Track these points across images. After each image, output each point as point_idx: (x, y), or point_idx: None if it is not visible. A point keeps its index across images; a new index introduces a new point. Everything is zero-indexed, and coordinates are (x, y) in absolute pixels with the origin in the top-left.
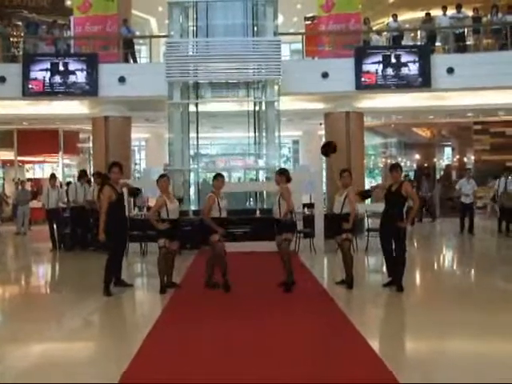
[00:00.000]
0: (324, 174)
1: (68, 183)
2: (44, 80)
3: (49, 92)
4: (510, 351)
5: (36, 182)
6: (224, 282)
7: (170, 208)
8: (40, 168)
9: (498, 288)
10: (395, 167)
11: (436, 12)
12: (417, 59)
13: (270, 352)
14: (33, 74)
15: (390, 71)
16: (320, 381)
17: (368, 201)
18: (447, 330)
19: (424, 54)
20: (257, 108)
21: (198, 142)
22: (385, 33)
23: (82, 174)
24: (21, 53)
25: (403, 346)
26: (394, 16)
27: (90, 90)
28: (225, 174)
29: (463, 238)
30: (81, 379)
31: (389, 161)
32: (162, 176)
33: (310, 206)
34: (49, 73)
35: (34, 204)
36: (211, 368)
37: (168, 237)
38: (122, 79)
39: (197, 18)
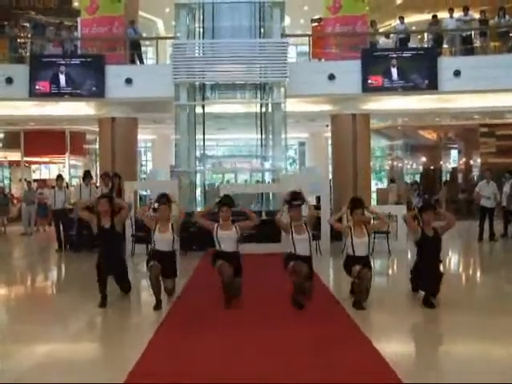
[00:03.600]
0: (330, 175)
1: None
2: (51, 81)
3: (55, 93)
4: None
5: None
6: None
7: (156, 237)
8: (46, 169)
9: (504, 291)
10: (429, 208)
11: (443, 14)
12: (423, 62)
13: (275, 354)
14: (40, 75)
15: (396, 73)
16: (325, 381)
17: (374, 202)
18: (454, 332)
19: (431, 57)
20: (263, 110)
21: (204, 143)
22: (392, 35)
23: (86, 175)
24: (28, 54)
25: (409, 349)
26: (401, 18)
27: (96, 92)
28: (231, 175)
29: (480, 244)
30: (86, 379)
31: (395, 163)
32: (162, 197)
33: (317, 208)
34: (56, 74)
35: None
36: (217, 369)
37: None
38: (128, 80)
39: (203, 20)
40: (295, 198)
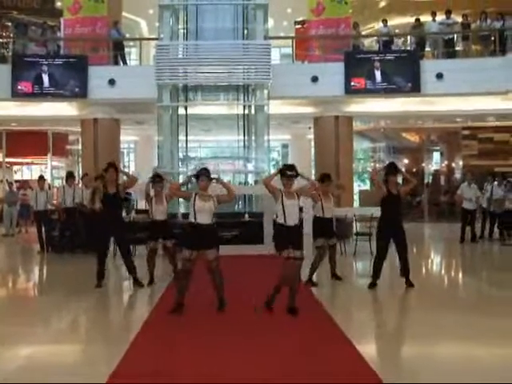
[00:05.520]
0: (313, 177)
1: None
2: (33, 81)
3: (38, 93)
4: (496, 353)
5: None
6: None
7: (154, 208)
8: (28, 170)
9: (485, 292)
10: (394, 171)
11: (426, 18)
12: (406, 64)
13: (257, 356)
14: (22, 75)
15: (379, 76)
16: (305, 381)
17: (356, 204)
18: (435, 332)
19: (413, 60)
20: (246, 111)
21: (187, 144)
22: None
23: (69, 176)
24: (10, 54)
25: (389, 348)
26: (384, 21)
27: (79, 92)
28: (214, 176)
29: (462, 246)
30: (69, 380)
31: (377, 165)
32: (156, 176)
33: (299, 209)
34: (38, 74)
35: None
36: (199, 368)
37: (152, 238)
38: (111, 81)
39: (187, 21)
40: (289, 169)
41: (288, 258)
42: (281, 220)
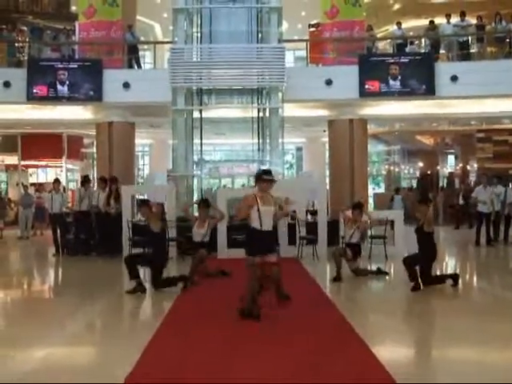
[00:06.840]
0: (327, 180)
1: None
2: (48, 85)
3: (53, 97)
4: (507, 357)
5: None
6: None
7: (194, 230)
8: (43, 173)
9: (499, 296)
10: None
11: (440, 20)
12: (421, 67)
13: (270, 359)
14: (37, 79)
15: (393, 79)
16: (318, 381)
17: (371, 207)
18: (449, 336)
19: (428, 62)
20: (260, 114)
21: (201, 147)
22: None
23: (86, 180)
24: (26, 58)
25: (403, 350)
26: (398, 24)
27: (94, 96)
28: (228, 179)
29: (477, 249)
30: (84, 380)
31: (392, 168)
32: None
33: (314, 212)
34: (53, 78)
35: None
36: (215, 370)
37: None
38: (126, 85)
39: (201, 25)
40: (266, 173)
41: (263, 264)
42: (255, 225)
